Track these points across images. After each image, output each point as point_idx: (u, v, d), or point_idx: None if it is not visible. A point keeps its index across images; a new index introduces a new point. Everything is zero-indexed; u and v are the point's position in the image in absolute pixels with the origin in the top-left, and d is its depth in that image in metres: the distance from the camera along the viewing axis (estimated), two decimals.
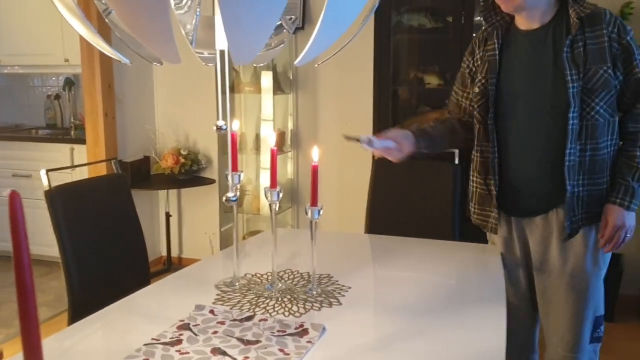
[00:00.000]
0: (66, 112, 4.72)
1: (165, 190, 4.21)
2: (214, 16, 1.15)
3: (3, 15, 4.38)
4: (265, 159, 4.03)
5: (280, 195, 1.65)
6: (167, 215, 4.18)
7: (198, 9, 1.21)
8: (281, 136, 4.03)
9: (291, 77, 4.02)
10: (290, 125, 4.05)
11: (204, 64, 1.31)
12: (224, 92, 1.40)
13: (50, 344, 1.35)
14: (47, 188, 1.87)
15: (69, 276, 1.83)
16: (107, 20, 1.19)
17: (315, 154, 1.58)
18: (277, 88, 3.94)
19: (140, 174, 4.01)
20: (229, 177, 1.67)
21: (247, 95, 4.06)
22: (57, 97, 4.73)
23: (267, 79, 3.93)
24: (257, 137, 4.05)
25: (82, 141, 4.04)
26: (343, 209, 3.90)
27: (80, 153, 4.04)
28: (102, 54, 3.70)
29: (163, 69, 4.17)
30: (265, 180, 4.04)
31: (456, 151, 2.36)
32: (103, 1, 1.07)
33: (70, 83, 4.60)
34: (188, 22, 1.21)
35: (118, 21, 1.18)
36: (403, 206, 2.35)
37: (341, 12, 0.90)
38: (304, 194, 4.05)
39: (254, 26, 0.86)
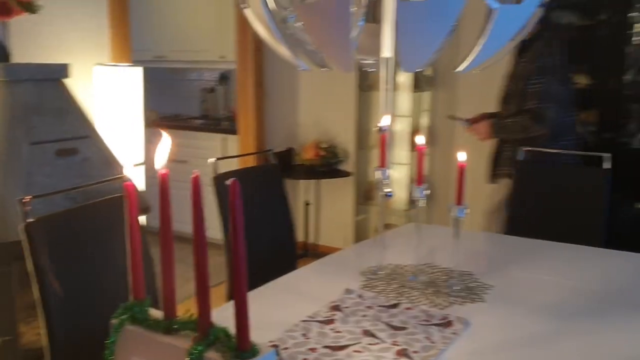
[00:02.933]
0: (219, 105, 5.12)
1: (306, 180, 4.44)
2: (382, 24, 1.25)
3: (171, 16, 4.86)
4: (398, 154, 4.11)
5: (427, 192, 1.72)
6: (306, 204, 4.41)
7: (362, 18, 1.32)
8: (417, 133, 4.08)
9: (431, 75, 4.05)
10: (425, 122, 4.10)
11: (364, 69, 1.42)
12: (388, 96, 1.49)
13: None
14: (214, 174, 2.10)
15: (229, 255, 2.05)
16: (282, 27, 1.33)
17: (461, 155, 1.64)
18: (416, 85, 4.00)
19: (284, 163, 4.27)
20: (378, 173, 1.78)
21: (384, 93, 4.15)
22: (212, 90, 5.14)
23: (403, 76, 4.00)
24: (391, 134, 4.13)
25: (232, 131, 4.39)
26: (476, 209, 3.87)
27: (232, 142, 4.38)
28: (255, 53, 4.00)
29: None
30: (397, 174, 4.12)
31: (609, 155, 2.27)
32: (288, 9, 1.21)
33: (224, 78, 4.99)
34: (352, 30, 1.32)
35: (293, 29, 1.32)
36: (546, 210, 2.32)
37: (510, 22, 0.96)
38: (438, 191, 4.07)
39: (426, 35, 0.94)
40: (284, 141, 4.38)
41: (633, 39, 3.16)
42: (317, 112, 4.42)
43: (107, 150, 2.39)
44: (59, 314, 1.47)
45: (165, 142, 0.85)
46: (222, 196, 2.06)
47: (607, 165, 2.26)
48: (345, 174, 4.25)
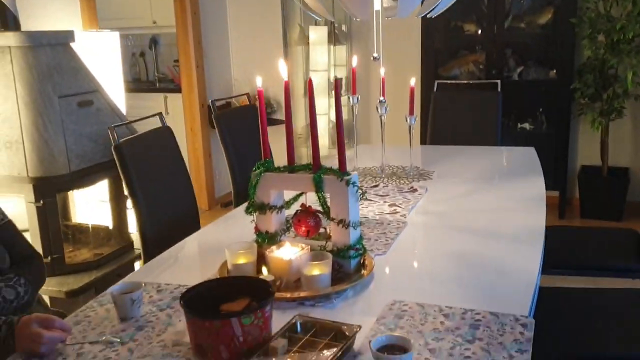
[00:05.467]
0: (150, 68, 5.50)
1: None
2: None
3: None
4: (319, 103, 4.82)
5: (387, 108, 2.43)
6: None
7: None
8: (339, 82, 4.78)
9: (345, 30, 4.75)
10: (345, 73, 4.81)
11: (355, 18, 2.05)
12: (378, 40, 2.07)
13: None
14: (214, 113, 2.68)
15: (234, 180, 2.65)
16: None
17: (412, 80, 2.35)
18: (336, 40, 4.68)
19: None
20: (352, 99, 2.47)
21: (307, 48, 4.82)
22: (142, 54, 5.50)
23: (315, 33, 4.68)
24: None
25: (171, 90, 4.86)
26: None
27: (173, 100, 4.84)
28: (193, 16, 4.46)
29: (236, 28, 4.92)
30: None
31: (498, 82, 3.12)
32: None
33: (155, 42, 5.37)
34: None
35: None
36: (459, 123, 3.13)
37: None
38: (359, 132, 4.82)
39: None
40: (222, 95, 4.91)
41: None
42: (249, 67, 4.98)
43: (112, 102, 2.87)
44: (146, 213, 2.03)
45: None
46: (223, 129, 2.64)
47: (499, 88, 3.11)
48: (279, 122, 4.87)
